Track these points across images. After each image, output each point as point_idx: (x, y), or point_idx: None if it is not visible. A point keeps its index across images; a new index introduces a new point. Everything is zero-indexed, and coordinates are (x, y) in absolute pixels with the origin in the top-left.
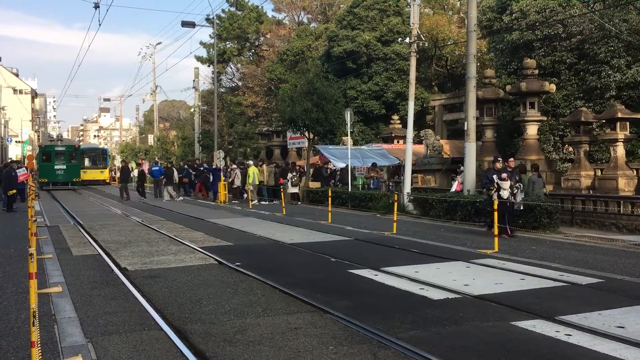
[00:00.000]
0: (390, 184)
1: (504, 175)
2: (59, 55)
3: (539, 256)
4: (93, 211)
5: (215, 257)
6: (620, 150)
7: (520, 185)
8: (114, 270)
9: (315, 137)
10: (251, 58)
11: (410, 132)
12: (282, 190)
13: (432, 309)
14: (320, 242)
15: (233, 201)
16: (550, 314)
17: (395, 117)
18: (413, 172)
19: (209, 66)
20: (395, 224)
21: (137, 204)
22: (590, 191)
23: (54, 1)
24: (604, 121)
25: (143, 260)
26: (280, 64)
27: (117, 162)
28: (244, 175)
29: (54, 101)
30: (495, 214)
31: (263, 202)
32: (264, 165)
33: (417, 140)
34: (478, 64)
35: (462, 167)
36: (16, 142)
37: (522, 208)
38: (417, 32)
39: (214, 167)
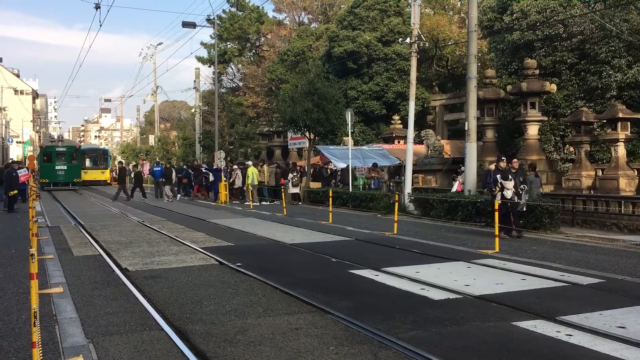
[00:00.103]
0: (391, 184)
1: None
2: (60, 55)
3: (540, 256)
4: (94, 212)
5: (216, 257)
6: (621, 150)
7: (524, 187)
8: (115, 271)
9: (316, 138)
10: (252, 58)
11: (411, 133)
12: (282, 190)
13: (433, 309)
14: (321, 242)
15: (234, 201)
16: (551, 314)
17: (396, 117)
18: (414, 172)
19: (209, 66)
20: (396, 224)
21: (138, 204)
22: (591, 191)
23: (54, 2)
24: (604, 121)
25: (144, 260)
26: (281, 64)
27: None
28: (245, 175)
29: (55, 102)
30: (496, 214)
31: (264, 203)
32: (265, 166)
33: (418, 140)
34: (479, 64)
35: (462, 167)
36: (17, 142)
37: (525, 209)
38: (418, 33)
39: (214, 167)
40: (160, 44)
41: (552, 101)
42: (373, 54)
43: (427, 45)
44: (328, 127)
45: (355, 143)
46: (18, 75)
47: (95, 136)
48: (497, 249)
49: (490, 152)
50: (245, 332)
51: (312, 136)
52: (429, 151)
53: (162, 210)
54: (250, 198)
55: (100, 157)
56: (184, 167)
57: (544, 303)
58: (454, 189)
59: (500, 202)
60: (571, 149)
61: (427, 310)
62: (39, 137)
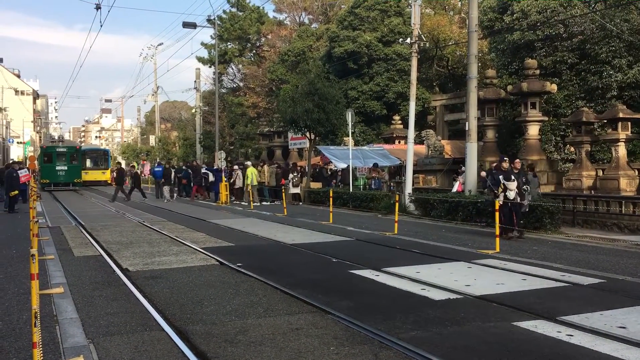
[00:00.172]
0: (392, 184)
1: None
2: (61, 56)
3: (540, 256)
4: (94, 212)
5: (216, 257)
6: (621, 150)
7: (527, 188)
8: (116, 271)
9: (317, 138)
10: (252, 59)
11: (411, 133)
12: (283, 190)
13: (433, 309)
14: (321, 242)
15: (235, 202)
16: (551, 314)
17: (397, 117)
18: (414, 172)
19: (210, 67)
20: (396, 224)
21: (138, 204)
22: (592, 191)
23: (55, 2)
24: (605, 121)
25: (144, 261)
26: (281, 64)
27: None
28: (244, 176)
29: (56, 102)
30: (497, 214)
31: (264, 203)
32: (265, 166)
33: (419, 140)
34: (479, 64)
35: (463, 167)
36: (18, 143)
37: (527, 210)
38: (418, 33)
39: (215, 167)
40: (160, 44)
41: (553, 101)
42: (373, 54)
43: (427, 45)
44: (328, 128)
45: (356, 143)
46: (19, 76)
47: (96, 136)
48: (497, 249)
49: (491, 153)
50: (246, 332)
51: (312, 136)
52: (430, 151)
53: (162, 211)
54: (250, 198)
55: (100, 157)
56: (184, 167)
57: (544, 303)
58: (454, 189)
59: (502, 202)
60: (572, 149)
61: (428, 310)
62: (40, 137)
